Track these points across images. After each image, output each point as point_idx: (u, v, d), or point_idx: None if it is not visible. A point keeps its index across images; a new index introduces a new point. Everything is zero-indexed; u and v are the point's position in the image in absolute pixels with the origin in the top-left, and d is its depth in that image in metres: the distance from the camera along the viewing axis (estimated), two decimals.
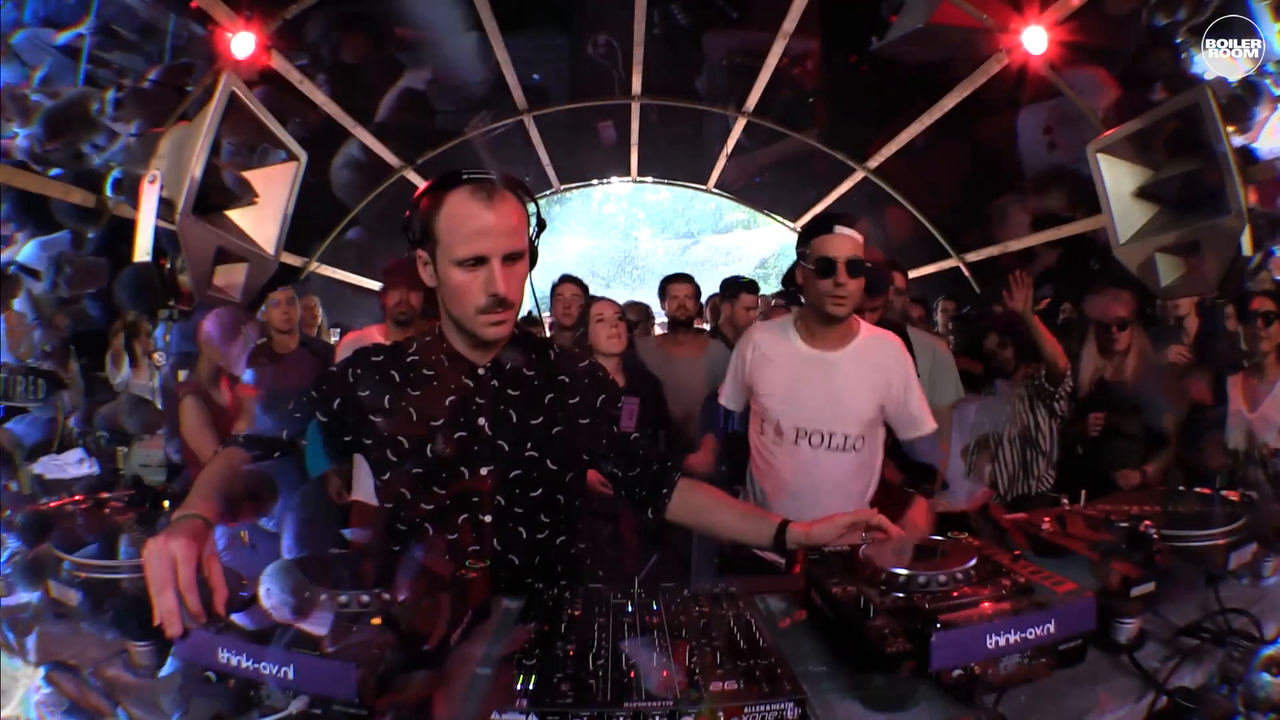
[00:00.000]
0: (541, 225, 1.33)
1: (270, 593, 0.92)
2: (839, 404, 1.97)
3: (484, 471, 1.31)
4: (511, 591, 1.20)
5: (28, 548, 1.32)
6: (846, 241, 1.87)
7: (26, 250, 2.85)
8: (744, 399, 2.16)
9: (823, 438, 1.97)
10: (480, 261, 1.23)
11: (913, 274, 3.94)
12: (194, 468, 2.86)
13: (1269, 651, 1.06)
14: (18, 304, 2.77)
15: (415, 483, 1.31)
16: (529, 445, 1.34)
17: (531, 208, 1.30)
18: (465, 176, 1.25)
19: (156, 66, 3.02)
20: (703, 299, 3.90)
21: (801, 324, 2.04)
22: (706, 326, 4.56)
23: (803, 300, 2.03)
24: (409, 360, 1.36)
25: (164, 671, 1.05)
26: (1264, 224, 2.71)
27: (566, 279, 3.60)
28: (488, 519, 1.32)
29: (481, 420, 1.32)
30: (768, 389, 2.04)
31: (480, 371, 1.35)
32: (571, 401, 1.40)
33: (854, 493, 2.01)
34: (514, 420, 1.34)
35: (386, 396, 1.33)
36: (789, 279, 2.17)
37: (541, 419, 1.36)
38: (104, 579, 1.20)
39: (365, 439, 1.34)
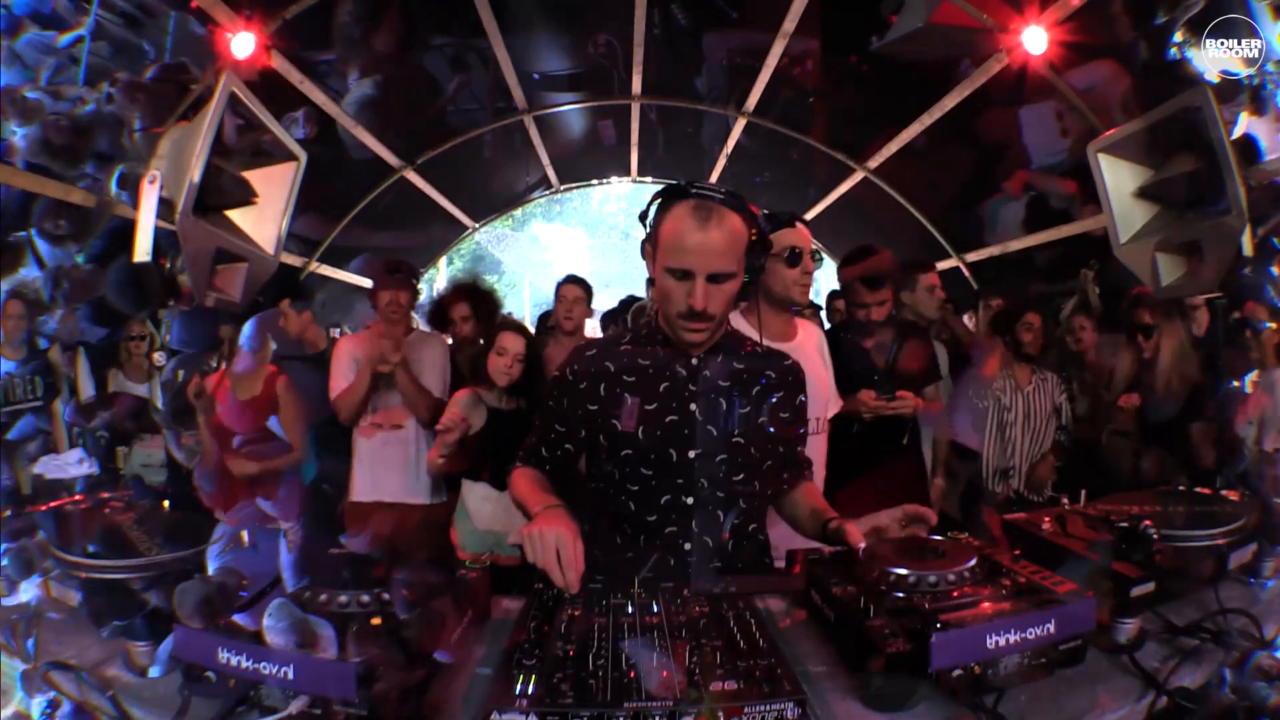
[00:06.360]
0: (766, 246, 1.36)
1: (273, 628, 0.90)
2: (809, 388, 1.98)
3: (691, 455, 1.37)
4: (706, 576, 1.28)
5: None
6: (805, 234, 1.98)
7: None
8: None
9: None
10: (686, 275, 1.29)
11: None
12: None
13: (1261, 658, 1.06)
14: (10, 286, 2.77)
15: (625, 463, 1.39)
16: (736, 432, 1.39)
17: (753, 227, 1.33)
18: (694, 190, 1.30)
19: (155, 64, 3.02)
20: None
21: (752, 320, 1.92)
22: None
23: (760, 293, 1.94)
24: (621, 349, 1.45)
25: (154, 673, 1.04)
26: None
27: (571, 280, 3.41)
28: (689, 501, 1.37)
29: (693, 406, 1.38)
30: None
31: (694, 360, 1.41)
32: (776, 397, 1.45)
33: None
34: (724, 407, 1.40)
35: (602, 384, 1.42)
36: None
37: (749, 409, 1.42)
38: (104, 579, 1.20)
39: (576, 423, 1.44)
